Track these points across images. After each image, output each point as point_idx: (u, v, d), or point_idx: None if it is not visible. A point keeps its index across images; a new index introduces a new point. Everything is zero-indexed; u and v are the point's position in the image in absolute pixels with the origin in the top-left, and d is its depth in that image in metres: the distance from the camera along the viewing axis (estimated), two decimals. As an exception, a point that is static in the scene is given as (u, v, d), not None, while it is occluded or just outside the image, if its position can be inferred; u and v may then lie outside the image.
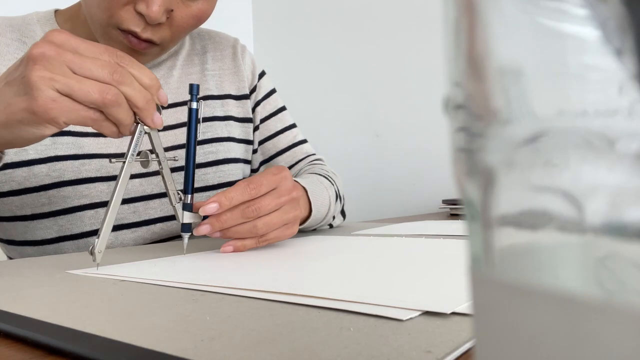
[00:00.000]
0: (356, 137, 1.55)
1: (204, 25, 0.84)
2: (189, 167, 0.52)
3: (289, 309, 0.29)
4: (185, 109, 0.75)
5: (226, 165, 0.75)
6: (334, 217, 0.75)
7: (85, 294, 0.35)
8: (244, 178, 0.79)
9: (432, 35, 1.37)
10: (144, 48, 0.63)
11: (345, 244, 0.57)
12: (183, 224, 0.51)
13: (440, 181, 1.33)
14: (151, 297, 0.33)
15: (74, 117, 0.43)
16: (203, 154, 0.73)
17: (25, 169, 0.63)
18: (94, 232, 0.65)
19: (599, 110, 0.10)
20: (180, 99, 0.75)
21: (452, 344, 0.22)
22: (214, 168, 0.74)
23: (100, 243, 0.44)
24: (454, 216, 1.05)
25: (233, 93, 0.80)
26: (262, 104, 0.83)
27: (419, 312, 0.26)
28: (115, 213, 0.46)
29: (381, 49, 1.51)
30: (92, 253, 0.44)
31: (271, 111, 0.84)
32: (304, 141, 0.85)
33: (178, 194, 0.51)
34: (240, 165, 0.78)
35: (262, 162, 0.83)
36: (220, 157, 0.75)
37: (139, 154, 0.47)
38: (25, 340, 0.25)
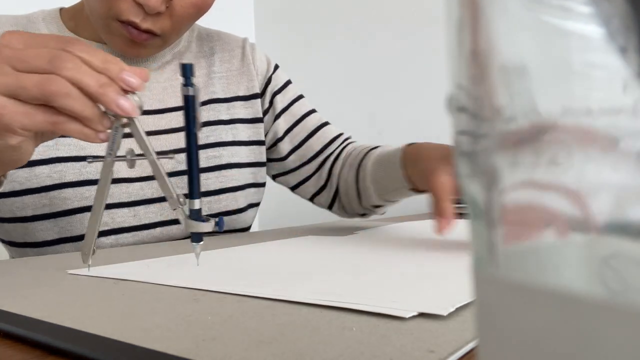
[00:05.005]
0: (359, 135, 1.53)
1: (210, 26, 0.84)
2: (192, 168, 0.44)
3: (291, 308, 0.28)
4: None
5: (229, 170, 0.74)
6: None
7: (85, 294, 0.35)
8: (251, 184, 0.78)
9: (436, 33, 1.37)
10: (145, 39, 0.63)
11: (346, 244, 0.57)
12: (193, 234, 0.43)
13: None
14: (152, 296, 0.33)
15: (27, 122, 0.38)
16: (205, 158, 0.73)
17: (26, 169, 0.63)
18: None
19: (603, 108, 0.10)
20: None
21: (455, 343, 0.22)
22: (216, 173, 0.73)
23: (85, 246, 0.42)
24: (457, 215, 1.05)
25: (241, 94, 0.79)
26: (281, 93, 0.83)
27: (420, 311, 0.26)
28: (99, 216, 0.42)
29: (384, 47, 1.51)
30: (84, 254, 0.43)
31: (292, 98, 0.84)
32: (327, 122, 0.85)
33: (179, 198, 0.42)
34: (246, 169, 0.77)
35: (293, 150, 0.82)
36: (224, 161, 0.74)
37: (126, 153, 0.42)
38: (25, 340, 0.25)
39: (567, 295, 0.10)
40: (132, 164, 0.42)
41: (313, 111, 0.85)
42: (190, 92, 0.44)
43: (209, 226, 0.42)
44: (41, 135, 0.46)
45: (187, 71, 0.44)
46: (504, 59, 0.11)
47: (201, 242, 0.43)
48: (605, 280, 0.10)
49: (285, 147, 0.82)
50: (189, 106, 0.43)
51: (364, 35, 1.55)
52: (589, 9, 0.10)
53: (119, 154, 0.42)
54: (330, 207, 0.86)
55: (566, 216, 0.10)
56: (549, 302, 0.10)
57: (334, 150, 0.83)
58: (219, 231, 0.42)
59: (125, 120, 0.40)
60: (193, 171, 0.43)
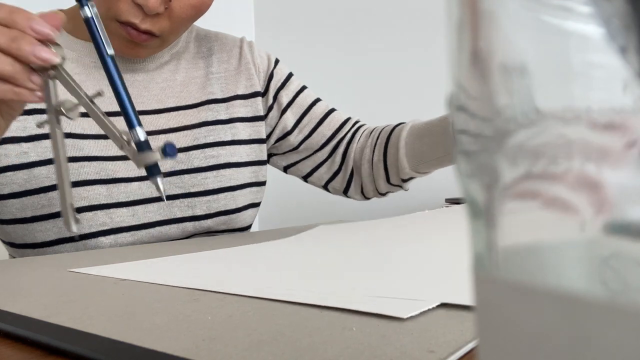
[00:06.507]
0: (357, 136, 1.55)
1: (204, 25, 0.84)
2: (122, 99, 0.40)
3: (291, 308, 0.28)
4: (187, 112, 0.74)
5: (227, 169, 0.74)
6: None
7: (85, 294, 0.35)
8: (251, 182, 0.78)
9: (435, 33, 1.37)
10: (144, 40, 0.63)
11: (346, 244, 0.57)
12: (147, 168, 0.40)
13: (443, 180, 1.33)
14: (152, 296, 0.33)
15: None
16: (204, 157, 0.73)
17: (25, 171, 0.64)
18: (93, 235, 0.65)
19: (603, 108, 0.10)
20: (183, 103, 0.74)
21: (455, 343, 0.22)
22: (214, 172, 0.73)
23: (63, 213, 0.40)
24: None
25: (240, 93, 0.79)
26: (284, 87, 0.83)
27: (419, 311, 0.26)
28: (64, 174, 0.40)
29: (384, 47, 1.51)
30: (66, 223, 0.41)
31: (296, 91, 0.84)
32: (334, 109, 0.86)
33: (123, 135, 0.39)
34: (246, 168, 0.77)
35: (304, 139, 0.83)
36: (222, 161, 0.74)
37: (60, 107, 0.40)
38: (25, 340, 0.25)
39: (567, 295, 0.10)
40: (75, 115, 0.40)
41: (318, 100, 0.86)
42: (89, 13, 0.41)
43: (156, 155, 0.39)
44: (6, 107, 0.46)
45: None
46: (504, 58, 0.11)
47: (160, 175, 0.40)
48: (605, 280, 0.10)
49: (296, 138, 0.83)
50: (93, 29, 0.40)
51: (363, 35, 1.55)
52: (589, 9, 0.10)
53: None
54: (345, 192, 0.86)
55: (566, 216, 0.10)
56: (548, 302, 0.10)
57: (346, 134, 0.84)
58: (171, 156, 0.39)
59: (51, 72, 0.38)
60: (122, 98, 0.39)
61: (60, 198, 0.40)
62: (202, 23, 0.83)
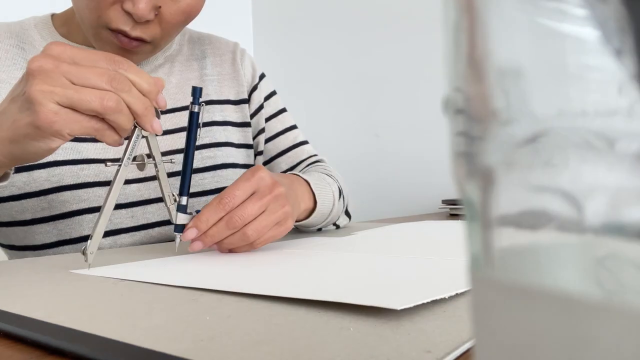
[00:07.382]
0: (356, 137, 1.55)
1: (203, 29, 0.84)
2: (187, 170, 0.53)
3: (289, 309, 0.29)
4: (183, 114, 0.74)
5: (224, 170, 0.75)
6: (338, 216, 0.75)
7: (85, 294, 0.35)
8: None
9: (432, 35, 1.37)
10: (135, 47, 0.63)
11: (344, 244, 0.57)
12: (176, 225, 0.51)
13: (440, 181, 1.33)
14: (151, 297, 0.33)
15: (76, 128, 0.43)
16: (201, 158, 0.73)
17: (25, 174, 0.64)
18: None
19: (599, 110, 0.10)
20: (179, 105, 0.74)
21: (451, 343, 0.22)
22: (212, 173, 0.74)
23: (91, 245, 0.45)
24: (453, 216, 1.05)
25: (232, 98, 0.80)
26: (264, 105, 0.83)
27: (413, 304, 0.26)
28: (108, 216, 0.46)
29: (381, 50, 1.51)
30: (84, 253, 0.45)
31: (271, 112, 0.84)
32: (305, 142, 0.85)
33: (173, 195, 0.51)
34: (240, 170, 0.77)
35: (264, 164, 0.83)
36: (219, 162, 0.74)
37: (135, 157, 0.47)
38: (25, 340, 0.25)
39: (562, 296, 0.10)
40: (143, 167, 0.49)
41: (292, 128, 0.85)
42: (197, 109, 0.52)
43: (188, 217, 0.51)
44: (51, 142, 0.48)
45: (196, 92, 0.52)
46: (500, 61, 0.11)
47: (181, 234, 0.52)
48: (600, 281, 0.10)
49: (260, 160, 0.83)
50: (193, 122, 0.52)
51: (360, 37, 1.55)
52: (585, 12, 0.10)
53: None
54: None
55: (562, 217, 0.10)
56: (544, 302, 0.10)
57: (300, 172, 0.81)
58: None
59: (145, 133, 0.47)
60: (187, 174, 0.53)
61: (91, 240, 0.45)
62: (200, 27, 0.83)
